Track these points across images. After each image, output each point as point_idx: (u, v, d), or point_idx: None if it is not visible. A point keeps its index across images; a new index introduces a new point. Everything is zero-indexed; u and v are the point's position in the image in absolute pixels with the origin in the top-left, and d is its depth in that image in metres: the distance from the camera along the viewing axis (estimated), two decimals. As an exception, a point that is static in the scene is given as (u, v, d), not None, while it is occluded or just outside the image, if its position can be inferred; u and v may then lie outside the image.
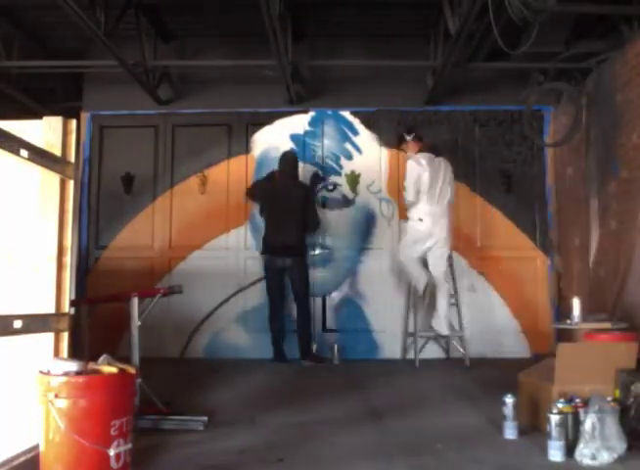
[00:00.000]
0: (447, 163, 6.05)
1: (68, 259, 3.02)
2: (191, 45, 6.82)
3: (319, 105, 6.89)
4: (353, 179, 6.80)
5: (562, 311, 6.27)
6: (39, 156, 2.83)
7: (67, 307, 3.01)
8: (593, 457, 2.86)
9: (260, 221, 6.49)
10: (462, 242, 6.69)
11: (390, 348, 6.55)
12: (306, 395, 4.61)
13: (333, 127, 6.90)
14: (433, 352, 6.43)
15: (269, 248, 6.14)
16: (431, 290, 5.85)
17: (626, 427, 3.03)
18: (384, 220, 6.77)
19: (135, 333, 3.86)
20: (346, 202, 6.77)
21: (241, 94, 6.76)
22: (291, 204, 6.13)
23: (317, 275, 6.65)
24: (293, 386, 5.09)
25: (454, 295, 6.13)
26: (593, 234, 5.75)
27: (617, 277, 4.97)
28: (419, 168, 5.84)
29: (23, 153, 2.68)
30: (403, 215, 6.67)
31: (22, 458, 2.60)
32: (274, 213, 6.20)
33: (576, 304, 4.00)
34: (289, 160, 6.33)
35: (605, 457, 2.86)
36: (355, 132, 6.89)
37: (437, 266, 5.91)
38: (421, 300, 5.97)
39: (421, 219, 5.85)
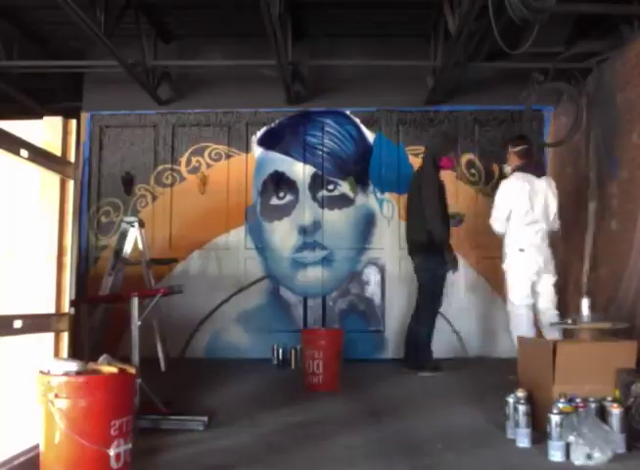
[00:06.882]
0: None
1: (68, 259, 3.02)
2: (191, 45, 6.81)
3: (319, 105, 6.89)
4: (353, 179, 6.80)
5: (562, 311, 6.25)
6: (39, 156, 2.83)
7: (67, 307, 3.01)
8: (593, 457, 2.86)
9: (260, 221, 6.51)
10: (462, 242, 6.68)
11: (390, 348, 6.55)
12: (306, 394, 4.61)
13: (333, 127, 6.90)
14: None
15: None
16: None
17: (626, 427, 3.03)
18: (384, 220, 6.77)
19: (135, 333, 3.86)
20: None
21: (241, 94, 6.74)
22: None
23: (317, 275, 6.67)
24: (293, 386, 5.10)
25: None
26: (592, 234, 5.74)
27: (616, 277, 4.97)
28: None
29: (23, 153, 2.68)
30: (403, 215, 6.66)
31: (22, 458, 2.60)
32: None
33: (585, 304, 4.04)
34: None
35: (605, 457, 2.86)
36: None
37: None
38: None
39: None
